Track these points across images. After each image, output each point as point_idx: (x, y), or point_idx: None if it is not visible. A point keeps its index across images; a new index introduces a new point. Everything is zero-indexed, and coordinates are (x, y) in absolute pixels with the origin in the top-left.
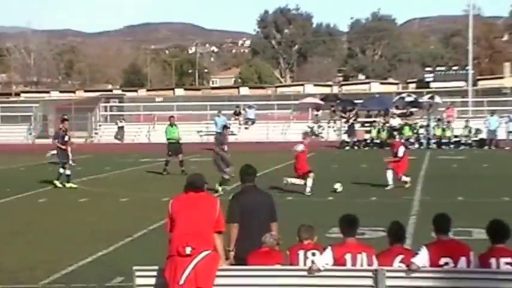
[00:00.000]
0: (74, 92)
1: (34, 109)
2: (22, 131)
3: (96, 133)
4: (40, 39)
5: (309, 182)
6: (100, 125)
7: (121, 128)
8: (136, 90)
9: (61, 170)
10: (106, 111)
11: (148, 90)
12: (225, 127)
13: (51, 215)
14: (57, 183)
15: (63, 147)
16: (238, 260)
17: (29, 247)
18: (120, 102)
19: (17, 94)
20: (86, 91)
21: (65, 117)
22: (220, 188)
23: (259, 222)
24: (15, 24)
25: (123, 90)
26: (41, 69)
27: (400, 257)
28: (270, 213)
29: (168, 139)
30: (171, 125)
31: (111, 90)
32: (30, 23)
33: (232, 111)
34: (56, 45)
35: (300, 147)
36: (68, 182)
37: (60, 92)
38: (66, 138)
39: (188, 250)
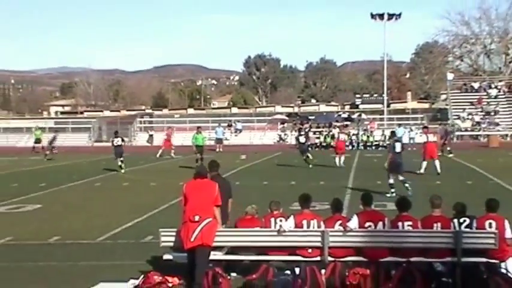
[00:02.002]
0: (119, 111)
1: (93, 123)
2: (84, 137)
3: (134, 139)
4: (97, 75)
5: (437, 163)
6: (137, 133)
7: (151, 135)
8: (161, 110)
9: (119, 162)
10: (141, 124)
11: (169, 109)
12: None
13: (103, 194)
14: (122, 170)
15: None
16: None
17: (87, 215)
18: (150, 117)
19: (81, 113)
20: (127, 110)
21: (117, 131)
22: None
23: (223, 200)
24: (80, 66)
25: (152, 110)
26: (97, 96)
27: (339, 222)
28: (229, 193)
29: (195, 143)
30: (198, 133)
31: (144, 110)
32: (90, 64)
33: (226, 124)
34: (108, 80)
35: (432, 138)
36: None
37: (110, 111)
38: (121, 143)
39: (197, 218)
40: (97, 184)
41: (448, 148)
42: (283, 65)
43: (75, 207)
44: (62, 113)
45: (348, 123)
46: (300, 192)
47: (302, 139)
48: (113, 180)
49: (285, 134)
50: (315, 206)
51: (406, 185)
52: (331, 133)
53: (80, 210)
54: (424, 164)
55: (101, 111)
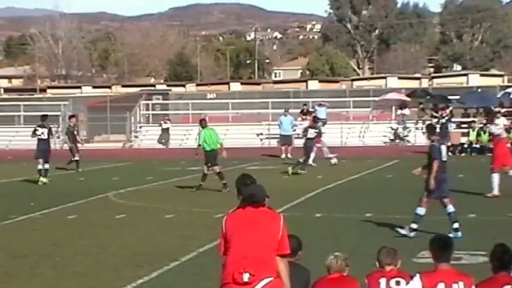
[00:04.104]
0: (109, 87)
1: (62, 108)
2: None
3: (136, 136)
4: (69, 25)
5: None
6: (141, 127)
7: (166, 130)
8: (183, 85)
9: (40, 166)
10: (148, 110)
11: (198, 85)
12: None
13: (82, 234)
14: (43, 180)
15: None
16: None
17: (56, 272)
18: (164, 99)
19: (43, 90)
20: (123, 86)
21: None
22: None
23: None
24: (40, 7)
25: (168, 85)
26: (71, 60)
27: (508, 287)
28: None
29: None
30: (204, 127)
31: (153, 85)
32: (58, 6)
33: (298, 110)
34: (89, 32)
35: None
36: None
37: (94, 87)
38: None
39: (246, 277)
40: (71, 217)
41: None
42: (403, 2)
43: (34, 256)
44: (7, 90)
45: None
46: (433, 232)
47: (311, 133)
48: (98, 210)
49: (406, 128)
50: (461, 257)
51: (455, 225)
52: (490, 126)
53: (43, 262)
54: (494, 178)
55: (78, 87)
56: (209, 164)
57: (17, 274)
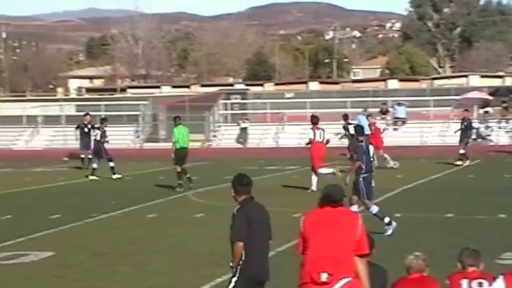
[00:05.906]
0: (188, 86)
1: (142, 107)
2: (128, 133)
3: (214, 136)
4: (149, 25)
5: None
6: (219, 126)
7: (244, 130)
8: (262, 84)
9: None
10: (226, 109)
11: (276, 84)
12: None
13: (161, 232)
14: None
15: None
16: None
17: (135, 271)
18: (243, 98)
19: (123, 90)
20: (202, 86)
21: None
22: None
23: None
24: (121, 7)
25: (246, 85)
26: (151, 60)
27: None
28: (270, 229)
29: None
30: (177, 125)
31: (232, 85)
32: (138, 6)
33: (378, 109)
34: (168, 32)
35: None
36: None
37: (173, 87)
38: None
39: (324, 277)
40: (150, 215)
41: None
42: (486, 0)
43: (114, 255)
44: (88, 90)
45: None
46: None
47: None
48: (178, 209)
49: (488, 127)
50: None
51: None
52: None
53: (123, 261)
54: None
55: (157, 87)
56: (175, 162)
57: (97, 272)
